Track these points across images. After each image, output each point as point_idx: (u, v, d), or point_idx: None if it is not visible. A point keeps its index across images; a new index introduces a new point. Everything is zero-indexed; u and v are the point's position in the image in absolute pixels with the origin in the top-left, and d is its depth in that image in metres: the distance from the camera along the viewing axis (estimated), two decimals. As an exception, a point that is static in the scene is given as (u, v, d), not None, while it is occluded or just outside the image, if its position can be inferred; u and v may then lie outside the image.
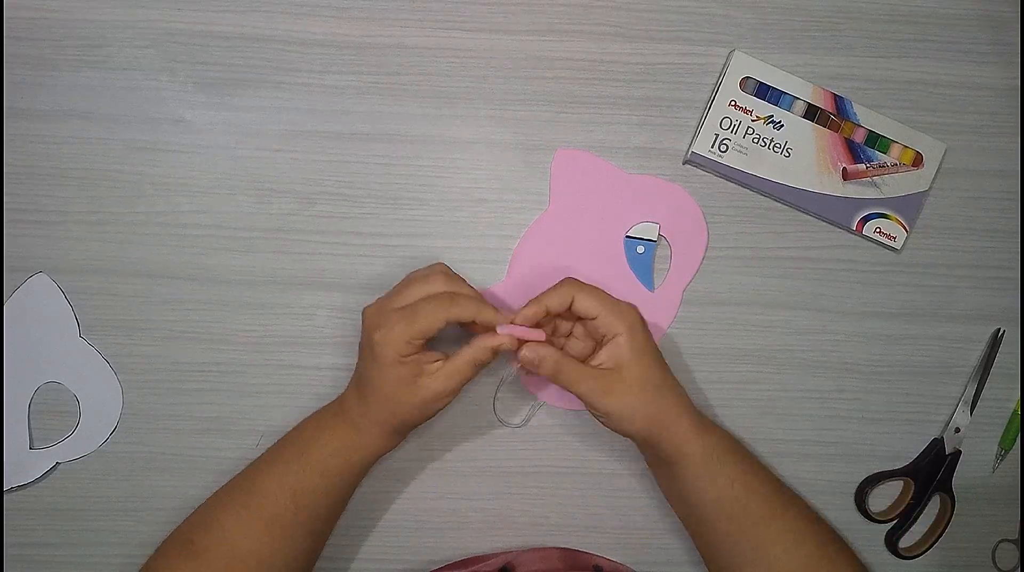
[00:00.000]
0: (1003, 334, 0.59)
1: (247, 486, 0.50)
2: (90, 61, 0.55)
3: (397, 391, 0.48)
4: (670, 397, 0.50)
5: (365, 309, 0.49)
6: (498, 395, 0.57)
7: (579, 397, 0.49)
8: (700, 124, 0.57)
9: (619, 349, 0.48)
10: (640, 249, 0.57)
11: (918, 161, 0.58)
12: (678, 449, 0.50)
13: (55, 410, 0.55)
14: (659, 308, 0.57)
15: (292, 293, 0.56)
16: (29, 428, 0.55)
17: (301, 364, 0.56)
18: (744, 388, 0.58)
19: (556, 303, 0.49)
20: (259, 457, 0.52)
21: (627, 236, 0.57)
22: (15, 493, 0.55)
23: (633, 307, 0.50)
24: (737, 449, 0.52)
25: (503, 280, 0.57)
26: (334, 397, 0.56)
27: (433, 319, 0.47)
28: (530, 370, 0.49)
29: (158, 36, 0.56)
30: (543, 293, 0.49)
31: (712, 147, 0.57)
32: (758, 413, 0.58)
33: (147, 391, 0.55)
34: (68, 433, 0.55)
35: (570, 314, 0.50)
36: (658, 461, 0.53)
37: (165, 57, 0.56)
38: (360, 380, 0.50)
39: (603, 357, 0.49)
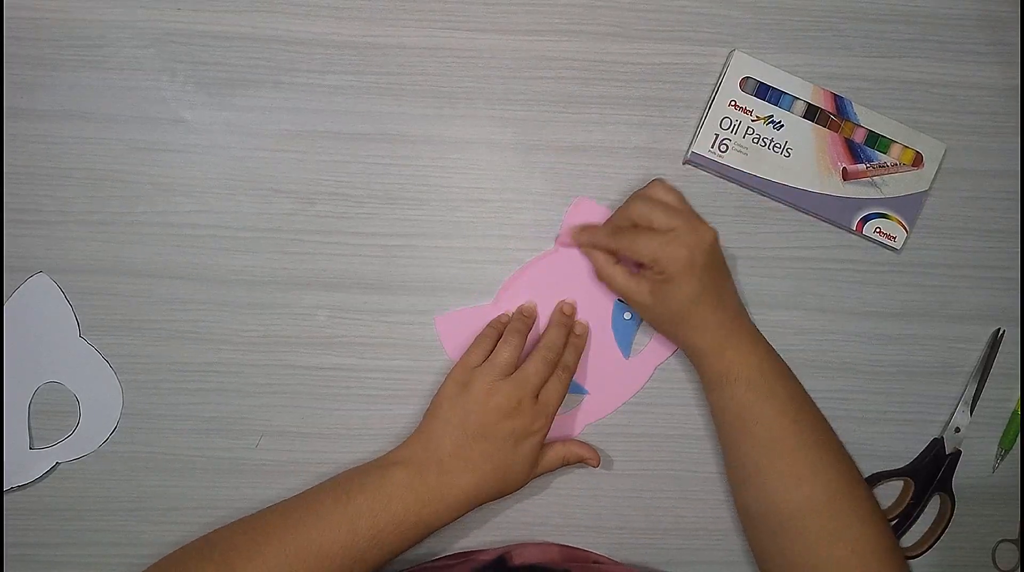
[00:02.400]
0: (1003, 334, 0.59)
1: (304, 538, 0.47)
2: (90, 61, 0.55)
3: (520, 477, 0.52)
4: (693, 322, 0.52)
5: (485, 388, 0.51)
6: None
7: (615, 291, 0.54)
8: (700, 124, 0.57)
9: (654, 282, 0.52)
10: (627, 316, 0.57)
11: (918, 161, 0.58)
12: (694, 358, 0.54)
13: (55, 410, 0.55)
14: (627, 376, 0.58)
15: (292, 293, 0.56)
16: (29, 428, 0.55)
17: (301, 364, 0.56)
18: (744, 388, 0.58)
19: (602, 246, 0.54)
20: (313, 501, 0.50)
21: (618, 299, 0.57)
22: (15, 493, 0.55)
23: (695, 238, 0.51)
24: (757, 375, 0.52)
25: (490, 302, 0.57)
26: (333, 397, 0.56)
27: (561, 401, 0.53)
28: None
29: (158, 36, 0.56)
30: (595, 231, 0.54)
31: (712, 147, 0.57)
32: None
33: (147, 391, 0.55)
34: (68, 433, 0.55)
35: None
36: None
37: (165, 57, 0.56)
38: (473, 457, 0.50)
39: (647, 272, 0.52)
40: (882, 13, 0.59)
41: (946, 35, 0.59)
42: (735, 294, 0.54)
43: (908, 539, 0.59)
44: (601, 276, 0.54)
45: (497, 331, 0.55)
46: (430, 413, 0.53)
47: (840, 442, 0.53)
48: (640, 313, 0.54)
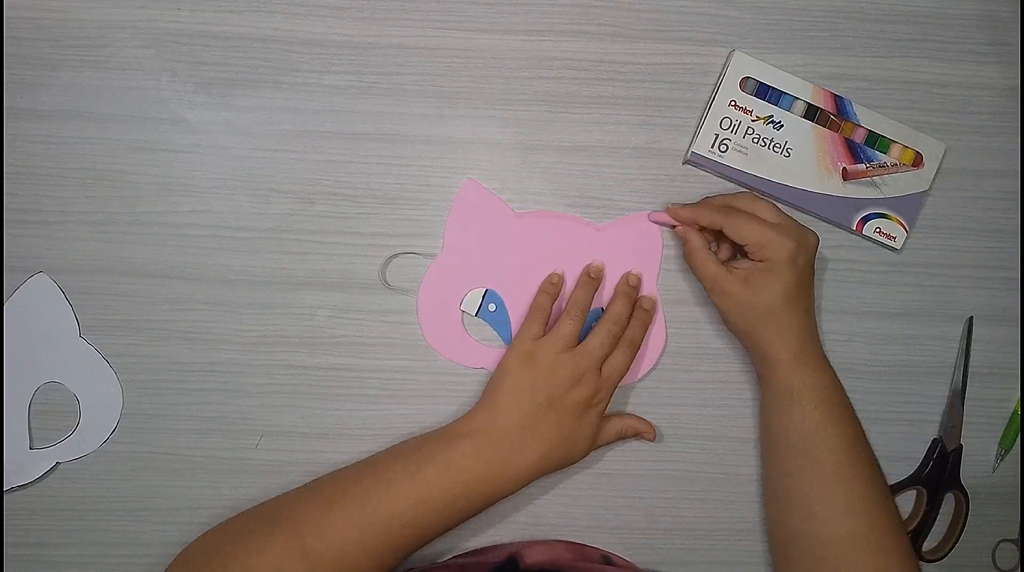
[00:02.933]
0: (971, 319, 0.59)
1: (373, 507, 0.48)
2: (90, 61, 0.55)
3: (583, 446, 0.53)
4: (776, 328, 0.52)
5: (550, 361, 0.52)
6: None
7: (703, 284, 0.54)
8: (700, 124, 0.57)
9: (758, 269, 0.52)
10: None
11: (918, 161, 0.58)
12: (766, 369, 0.53)
13: (55, 410, 0.55)
14: None
15: (292, 293, 0.56)
16: (29, 428, 0.55)
17: (301, 364, 0.56)
18: (744, 388, 0.58)
19: (707, 222, 0.53)
20: (381, 470, 0.50)
21: (604, 307, 0.56)
22: (15, 493, 0.55)
23: (803, 236, 0.52)
24: (831, 397, 0.52)
25: (440, 252, 0.57)
26: (333, 397, 0.56)
27: (624, 374, 0.54)
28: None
29: (158, 36, 0.56)
30: (699, 208, 0.54)
31: (712, 147, 0.57)
32: (758, 414, 0.58)
33: (147, 391, 0.55)
34: (68, 433, 0.55)
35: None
36: (758, 377, 0.55)
37: (165, 57, 0.56)
38: (540, 428, 0.50)
39: (743, 265, 0.53)
40: (882, 13, 0.59)
41: (946, 35, 0.59)
42: (814, 308, 0.54)
43: (928, 543, 0.59)
44: (694, 258, 0.54)
45: (551, 297, 0.55)
46: (493, 385, 0.53)
47: (886, 481, 0.54)
48: (723, 306, 0.53)
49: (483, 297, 0.56)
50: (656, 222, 0.56)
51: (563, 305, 0.55)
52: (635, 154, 0.58)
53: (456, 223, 0.56)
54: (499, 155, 0.57)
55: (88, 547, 0.55)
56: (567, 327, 0.53)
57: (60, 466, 0.55)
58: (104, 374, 0.55)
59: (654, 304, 0.57)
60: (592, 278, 0.55)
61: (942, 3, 0.59)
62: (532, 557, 0.53)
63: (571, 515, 0.57)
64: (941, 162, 0.58)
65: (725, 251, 0.56)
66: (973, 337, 0.59)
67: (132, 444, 0.55)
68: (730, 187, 0.58)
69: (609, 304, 0.55)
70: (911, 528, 0.58)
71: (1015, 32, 0.59)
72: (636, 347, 0.54)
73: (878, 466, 0.53)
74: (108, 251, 0.55)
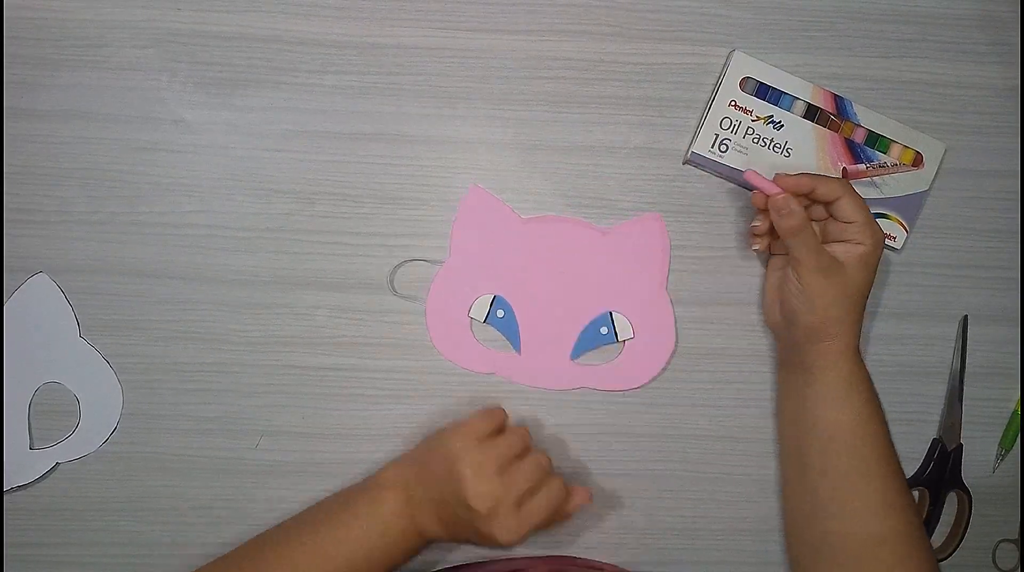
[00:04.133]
0: (966, 318, 0.59)
1: (294, 567, 0.48)
2: (90, 61, 0.55)
3: (492, 546, 0.50)
4: (854, 316, 0.51)
5: (473, 469, 0.48)
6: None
7: (796, 265, 0.50)
8: (700, 124, 0.57)
9: (855, 254, 0.50)
10: (603, 330, 0.57)
11: (918, 161, 0.58)
12: (826, 358, 0.51)
13: (55, 410, 0.55)
14: (563, 373, 0.57)
15: (292, 293, 0.56)
16: (29, 428, 0.55)
17: (301, 364, 0.56)
18: (744, 388, 0.58)
19: (824, 191, 0.51)
20: (307, 528, 0.50)
21: (613, 311, 0.57)
22: (15, 493, 0.55)
23: (881, 230, 0.51)
24: (873, 394, 0.52)
25: (448, 257, 0.57)
26: (333, 397, 0.56)
27: (547, 518, 0.49)
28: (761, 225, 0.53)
29: (158, 36, 0.56)
30: (818, 177, 0.51)
31: (712, 147, 0.57)
32: (759, 414, 0.58)
33: (147, 391, 0.55)
34: (68, 433, 0.55)
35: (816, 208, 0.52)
36: (795, 365, 0.53)
37: (165, 57, 0.56)
38: (446, 516, 0.49)
39: (838, 250, 0.51)
40: (882, 13, 0.59)
41: (946, 35, 0.59)
42: None
43: (932, 543, 0.59)
44: (799, 233, 0.49)
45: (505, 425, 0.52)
46: (423, 450, 0.52)
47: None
48: (811, 287, 0.50)
49: (491, 303, 0.56)
50: (752, 181, 0.51)
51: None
52: (635, 154, 0.58)
53: (462, 229, 0.56)
54: (499, 155, 0.57)
55: (88, 547, 0.55)
56: (503, 449, 0.49)
57: (60, 466, 0.55)
58: (104, 374, 0.55)
59: (587, 495, 0.52)
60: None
61: (942, 3, 0.59)
62: (538, 569, 0.53)
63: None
64: (941, 162, 0.58)
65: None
66: (973, 337, 0.59)
67: (132, 444, 0.55)
68: (730, 187, 0.58)
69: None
70: None
71: (1015, 32, 0.59)
72: (560, 496, 0.49)
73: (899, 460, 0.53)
74: (108, 251, 0.55)
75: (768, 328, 0.57)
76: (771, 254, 0.56)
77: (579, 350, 0.57)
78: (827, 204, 0.51)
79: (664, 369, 0.57)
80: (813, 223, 0.51)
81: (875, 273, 0.51)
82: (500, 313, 0.56)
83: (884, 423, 0.52)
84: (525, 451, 0.50)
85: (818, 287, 0.50)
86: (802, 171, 0.52)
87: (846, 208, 0.50)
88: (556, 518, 0.51)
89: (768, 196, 0.51)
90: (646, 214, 0.57)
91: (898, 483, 0.51)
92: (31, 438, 0.55)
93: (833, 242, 0.51)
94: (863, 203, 0.51)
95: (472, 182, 0.57)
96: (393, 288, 0.56)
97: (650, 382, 0.57)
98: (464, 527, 0.49)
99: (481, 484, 0.47)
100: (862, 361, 0.52)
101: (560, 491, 0.50)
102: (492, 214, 0.57)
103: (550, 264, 0.57)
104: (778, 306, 0.54)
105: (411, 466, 0.51)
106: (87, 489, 0.55)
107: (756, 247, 0.54)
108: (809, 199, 0.52)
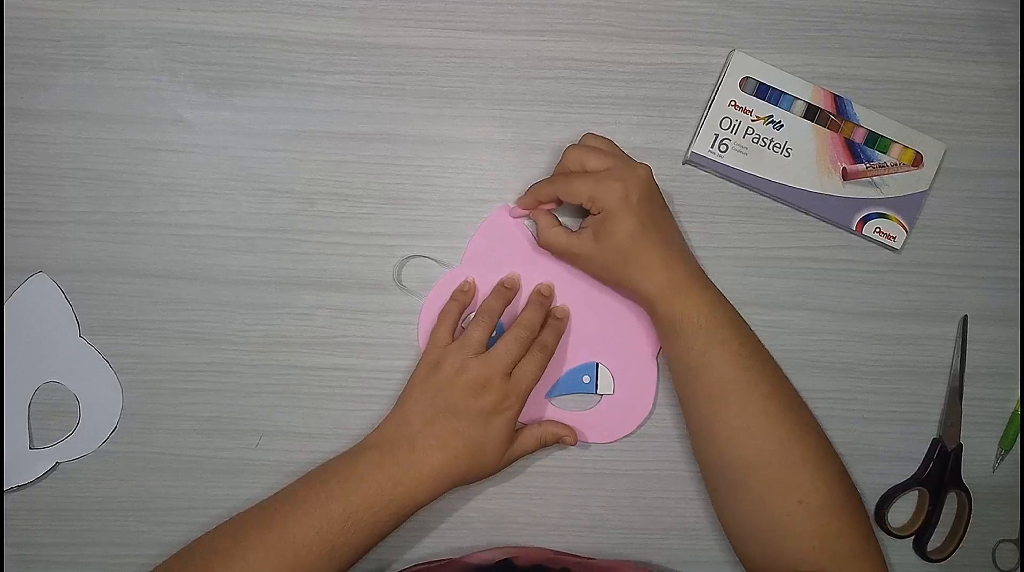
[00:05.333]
0: (966, 318, 0.59)
1: (279, 529, 0.47)
2: (90, 61, 0.55)
3: (493, 456, 0.52)
4: (637, 265, 0.51)
5: (455, 367, 0.51)
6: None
7: (559, 253, 0.54)
8: (700, 124, 0.57)
9: (597, 222, 0.51)
10: (585, 379, 0.57)
11: (918, 161, 0.58)
12: (646, 309, 0.53)
13: (55, 410, 0.55)
14: (534, 408, 0.57)
15: (292, 293, 0.56)
16: (29, 428, 0.55)
17: (301, 364, 0.56)
18: (744, 388, 0.58)
19: (544, 196, 0.54)
20: (289, 492, 0.50)
21: (599, 363, 0.57)
22: (15, 493, 0.55)
23: (630, 174, 0.51)
24: (715, 325, 0.51)
25: (458, 265, 0.57)
26: (332, 397, 0.56)
27: (536, 381, 0.53)
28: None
29: (158, 36, 0.56)
30: (538, 189, 0.54)
31: (712, 147, 0.57)
32: None
33: (147, 391, 0.55)
34: (68, 433, 0.55)
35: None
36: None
37: (165, 57, 0.56)
38: (443, 434, 0.50)
39: (587, 221, 0.53)
40: (882, 13, 0.59)
41: (946, 35, 0.59)
42: (678, 234, 0.54)
43: (932, 543, 0.59)
44: (544, 238, 0.54)
45: (460, 304, 0.55)
46: (403, 395, 0.53)
47: (794, 390, 0.52)
48: (587, 270, 0.54)
49: None
50: (514, 217, 0.56)
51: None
52: (635, 154, 0.58)
53: (479, 244, 0.57)
54: (499, 155, 0.57)
55: (88, 547, 0.55)
56: (474, 333, 0.52)
57: (60, 466, 0.55)
58: (104, 374, 0.55)
59: (567, 313, 0.56)
60: (506, 288, 0.55)
61: (942, 3, 0.59)
62: (523, 560, 0.53)
63: (571, 515, 0.57)
64: (941, 162, 0.58)
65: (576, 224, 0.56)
66: (973, 337, 0.59)
67: (132, 444, 0.55)
68: (730, 187, 0.58)
69: (522, 310, 0.55)
70: (914, 529, 0.58)
71: (1015, 32, 0.59)
72: (548, 352, 0.53)
73: (781, 381, 0.52)
74: (108, 251, 0.55)
75: None
76: None
77: (557, 391, 0.57)
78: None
79: (635, 430, 0.57)
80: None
81: (635, 221, 0.50)
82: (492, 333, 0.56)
83: (738, 345, 0.51)
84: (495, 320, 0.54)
85: (588, 269, 0.54)
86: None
87: (567, 197, 0.52)
88: (547, 436, 0.54)
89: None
90: None
91: (758, 404, 0.50)
92: (31, 438, 0.55)
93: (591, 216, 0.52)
94: (582, 179, 0.51)
95: (473, 182, 0.57)
96: (398, 279, 0.56)
97: (616, 441, 0.57)
98: (468, 428, 0.50)
99: (468, 373, 0.50)
100: (694, 293, 0.51)
101: (542, 356, 0.53)
102: (511, 237, 0.57)
103: (551, 300, 0.57)
104: None
105: (391, 419, 0.52)
106: (87, 489, 0.55)
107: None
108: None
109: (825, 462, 0.50)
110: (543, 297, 0.56)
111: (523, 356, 0.52)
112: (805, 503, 0.48)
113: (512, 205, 0.56)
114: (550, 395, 0.57)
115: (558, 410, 0.57)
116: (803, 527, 0.48)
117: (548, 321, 0.55)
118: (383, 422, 0.53)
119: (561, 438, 0.55)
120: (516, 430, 0.53)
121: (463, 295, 0.55)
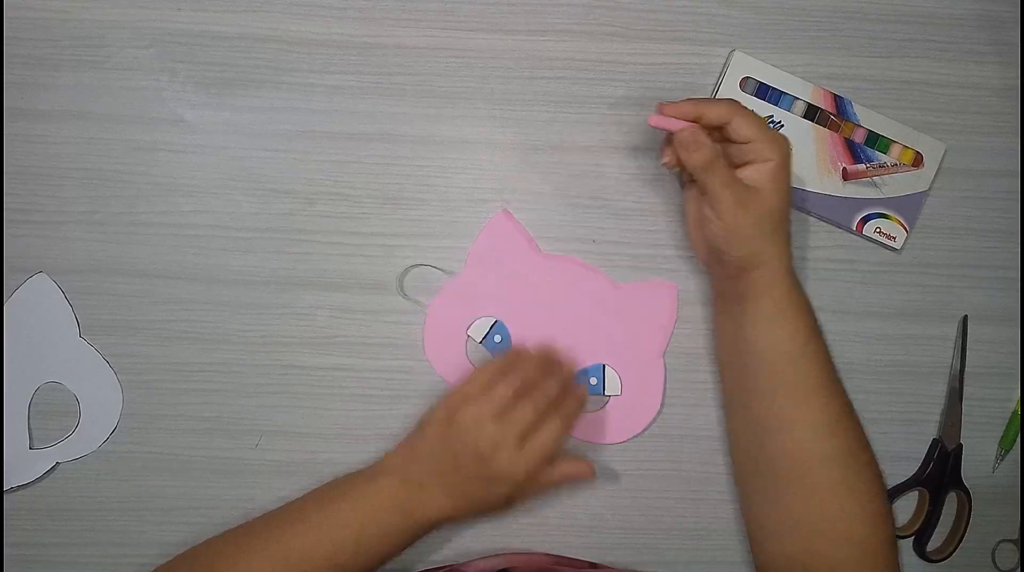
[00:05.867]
0: (966, 318, 0.59)
1: (288, 540, 0.48)
2: (90, 61, 0.55)
3: (497, 513, 0.51)
4: (781, 236, 0.50)
5: (470, 422, 0.48)
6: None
7: (713, 202, 0.49)
8: (700, 124, 0.57)
9: (766, 173, 0.49)
10: (593, 381, 0.57)
11: (918, 161, 0.58)
12: (758, 286, 0.50)
13: (55, 410, 0.55)
14: None
15: (292, 293, 0.56)
16: (29, 428, 0.55)
17: (301, 364, 0.56)
18: (744, 388, 0.58)
19: (714, 115, 0.49)
20: (299, 511, 0.50)
21: (606, 365, 0.57)
22: (15, 493, 0.55)
23: (786, 139, 0.50)
24: (811, 315, 0.51)
25: (464, 269, 0.57)
26: (332, 397, 0.56)
27: (558, 447, 0.49)
28: (672, 165, 0.51)
29: (158, 36, 0.56)
30: (703, 101, 0.49)
31: (712, 147, 0.57)
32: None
33: (147, 391, 0.55)
34: (68, 433, 0.55)
35: (717, 134, 0.50)
36: (731, 295, 0.52)
37: (165, 57, 0.56)
38: (449, 485, 0.49)
39: (748, 173, 0.49)
40: (882, 13, 0.59)
41: (946, 35, 0.59)
42: None
43: (932, 543, 0.59)
44: (713, 166, 0.48)
45: (508, 366, 0.51)
46: (419, 430, 0.52)
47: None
48: (736, 221, 0.48)
49: (491, 327, 0.56)
50: (658, 126, 0.50)
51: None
52: (635, 154, 0.58)
53: (481, 249, 0.56)
54: (499, 155, 0.57)
55: (88, 547, 0.55)
56: (500, 391, 0.49)
57: (60, 466, 0.55)
58: (104, 374, 0.55)
59: (586, 392, 0.53)
60: (551, 364, 0.52)
61: (942, 3, 0.59)
62: (522, 569, 0.53)
63: (571, 515, 0.57)
64: (941, 162, 0.58)
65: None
66: (973, 337, 0.59)
67: (132, 444, 0.55)
68: (730, 187, 0.58)
69: (544, 381, 0.51)
70: (914, 529, 0.58)
71: (1015, 32, 0.59)
72: (568, 424, 0.50)
73: (841, 380, 0.53)
74: (108, 251, 0.55)
75: (699, 263, 0.57)
76: (684, 183, 0.54)
77: None
78: (719, 129, 0.49)
79: (643, 431, 0.57)
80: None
81: (790, 185, 0.50)
82: (497, 338, 0.56)
83: (824, 344, 0.52)
84: (528, 387, 0.50)
85: (739, 221, 0.49)
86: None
87: (741, 128, 0.48)
88: (561, 477, 0.51)
89: (673, 133, 0.49)
90: (661, 281, 0.57)
91: (840, 402, 0.51)
92: (31, 438, 0.55)
93: (739, 166, 0.50)
94: (757, 118, 0.49)
95: (473, 182, 0.57)
96: (402, 289, 0.56)
97: (625, 441, 0.57)
98: (471, 487, 0.49)
99: (481, 432, 0.48)
100: (797, 283, 0.51)
101: (559, 427, 0.49)
102: (514, 241, 0.57)
103: (557, 303, 0.57)
104: (703, 244, 0.53)
105: (406, 449, 0.51)
106: (87, 489, 0.55)
107: (665, 160, 0.51)
108: (701, 127, 0.49)
109: (878, 469, 0.51)
110: (557, 365, 0.53)
111: (537, 422, 0.49)
112: (863, 506, 0.49)
113: (655, 113, 0.50)
114: None
115: None
116: (858, 532, 0.48)
117: (571, 392, 0.52)
118: (398, 449, 0.52)
119: (576, 478, 0.52)
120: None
121: (512, 362, 0.51)
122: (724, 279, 0.53)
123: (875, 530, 0.49)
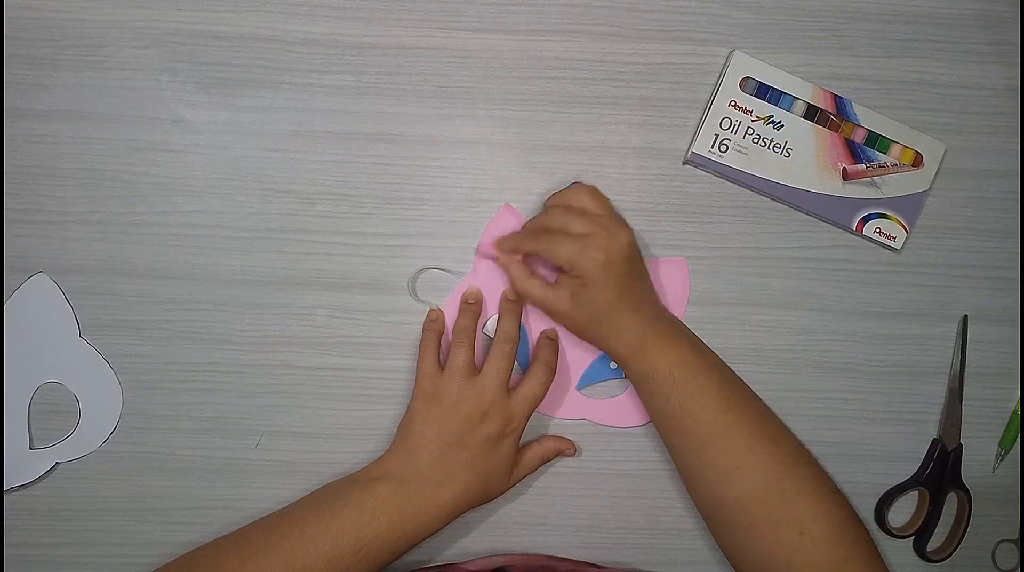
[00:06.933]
0: (966, 318, 0.59)
1: (287, 550, 0.48)
2: (90, 61, 0.55)
3: (501, 480, 0.53)
4: (613, 325, 0.51)
5: (452, 390, 0.51)
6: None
7: (534, 304, 0.54)
8: (700, 124, 0.57)
9: (577, 286, 0.51)
10: (613, 365, 0.56)
11: (918, 161, 0.58)
12: (621, 366, 0.53)
13: (55, 410, 0.55)
14: (569, 403, 0.57)
15: (292, 293, 0.56)
16: (29, 428, 0.55)
17: (301, 364, 0.56)
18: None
19: (527, 249, 0.53)
20: (298, 518, 0.50)
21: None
22: (15, 493, 0.55)
23: (612, 242, 0.50)
24: (681, 373, 0.51)
25: (470, 273, 0.57)
26: (332, 397, 0.56)
27: (539, 400, 0.53)
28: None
29: (158, 36, 0.56)
30: (523, 235, 0.54)
31: (712, 147, 0.57)
32: None
33: (147, 391, 0.55)
34: (68, 433, 0.55)
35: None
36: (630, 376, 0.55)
37: (165, 57, 0.56)
38: (452, 467, 0.50)
39: (565, 281, 0.52)
40: (882, 13, 0.59)
41: (946, 35, 0.59)
42: (652, 293, 0.54)
43: (932, 543, 0.59)
44: (518, 288, 0.53)
45: (436, 331, 0.55)
46: (404, 428, 0.53)
47: (782, 425, 0.53)
48: (561, 322, 0.54)
49: None
50: (485, 256, 0.56)
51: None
52: (635, 154, 0.58)
53: (487, 246, 0.56)
54: (499, 155, 0.57)
55: (88, 547, 0.55)
56: (459, 357, 0.52)
57: (60, 466, 0.55)
58: (104, 374, 0.55)
59: (556, 333, 0.56)
60: (470, 303, 0.55)
61: (942, 3, 0.59)
62: (519, 568, 0.53)
63: (571, 515, 0.57)
64: (941, 162, 0.58)
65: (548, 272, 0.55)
66: (973, 337, 0.59)
67: (132, 444, 0.55)
68: (730, 187, 0.58)
69: (497, 325, 0.55)
70: (914, 529, 0.58)
71: (1015, 32, 0.59)
72: (551, 368, 0.54)
73: (764, 417, 0.52)
74: (108, 251, 0.55)
75: None
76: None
77: (586, 381, 0.57)
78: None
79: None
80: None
81: (612, 290, 0.50)
82: None
83: (713, 389, 0.51)
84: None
85: (561, 323, 0.54)
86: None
87: (556, 257, 0.51)
88: (548, 452, 0.55)
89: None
90: (673, 258, 0.57)
91: (746, 439, 0.50)
92: (31, 438, 0.55)
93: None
94: (566, 244, 0.50)
95: (473, 182, 0.57)
96: (414, 292, 0.56)
97: (645, 425, 0.57)
98: (476, 455, 0.50)
99: (465, 395, 0.51)
100: (666, 347, 0.51)
101: (542, 370, 0.53)
102: None
103: (521, 304, 0.56)
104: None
105: (400, 449, 0.52)
106: (87, 489, 0.55)
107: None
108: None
109: (821, 491, 0.50)
110: (511, 303, 0.55)
111: (511, 367, 0.52)
112: (807, 534, 0.48)
113: (482, 245, 0.56)
114: (580, 386, 0.57)
115: (590, 400, 0.57)
116: (809, 558, 0.48)
117: (541, 339, 0.56)
118: (388, 454, 0.52)
119: (562, 451, 0.56)
120: (520, 449, 0.54)
121: (433, 325, 0.55)
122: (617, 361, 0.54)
123: (830, 551, 0.48)
